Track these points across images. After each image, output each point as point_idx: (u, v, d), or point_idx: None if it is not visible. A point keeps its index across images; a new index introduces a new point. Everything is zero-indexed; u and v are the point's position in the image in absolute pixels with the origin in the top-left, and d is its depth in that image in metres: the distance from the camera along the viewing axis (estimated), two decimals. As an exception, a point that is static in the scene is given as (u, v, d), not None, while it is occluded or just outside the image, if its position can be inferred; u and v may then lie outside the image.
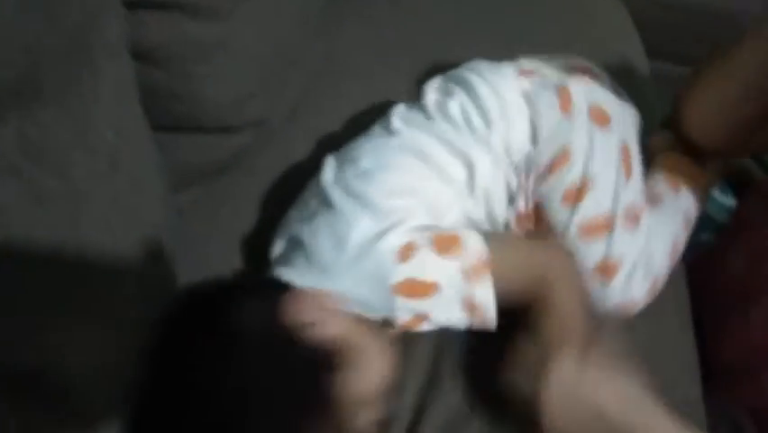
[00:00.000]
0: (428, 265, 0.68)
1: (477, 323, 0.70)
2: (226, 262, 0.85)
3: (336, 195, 0.74)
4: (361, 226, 0.70)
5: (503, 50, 0.87)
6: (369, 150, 0.78)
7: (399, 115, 0.80)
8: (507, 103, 0.78)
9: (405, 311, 0.69)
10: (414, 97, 0.84)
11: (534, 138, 0.77)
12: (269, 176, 0.91)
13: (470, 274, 0.68)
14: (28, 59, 0.49)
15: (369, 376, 0.66)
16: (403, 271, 0.68)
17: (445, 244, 0.69)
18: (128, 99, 0.68)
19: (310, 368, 0.64)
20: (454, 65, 0.86)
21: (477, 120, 0.78)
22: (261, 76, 0.86)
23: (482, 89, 0.79)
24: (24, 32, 0.48)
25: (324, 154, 0.79)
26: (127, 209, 0.65)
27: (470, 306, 0.69)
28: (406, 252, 0.68)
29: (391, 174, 0.74)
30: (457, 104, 0.79)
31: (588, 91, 0.79)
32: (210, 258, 0.85)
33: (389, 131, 0.79)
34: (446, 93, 0.82)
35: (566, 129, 0.76)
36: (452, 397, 0.77)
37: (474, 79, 0.80)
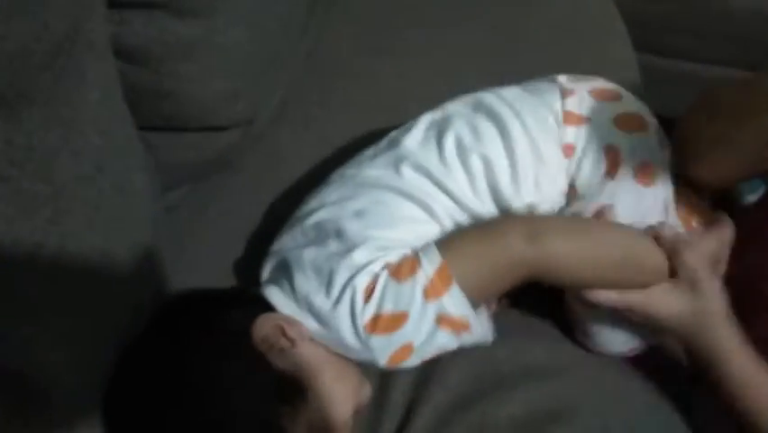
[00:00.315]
0: (388, 296, 0.66)
1: (468, 338, 0.69)
2: (216, 261, 0.85)
3: (328, 231, 0.72)
4: (344, 274, 0.68)
5: (492, 44, 0.87)
6: (370, 187, 0.74)
7: (411, 158, 0.74)
8: (545, 167, 0.73)
9: (383, 349, 0.67)
10: (403, 95, 0.82)
11: (571, 196, 0.74)
12: (259, 175, 0.91)
13: (432, 290, 0.66)
14: (14, 66, 0.49)
15: (332, 406, 0.66)
16: (369, 310, 0.66)
17: (401, 269, 0.67)
18: (114, 101, 0.67)
19: (269, 392, 0.65)
20: (445, 61, 0.85)
21: (504, 180, 0.73)
22: (247, 75, 0.85)
23: (520, 145, 0.73)
24: (10, 39, 0.48)
25: (312, 153, 0.78)
26: (111, 210, 0.64)
27: (448, 321, 0.67)
28: (370, 289, 0.67)
29: (390, 228, 0.71)
30: (482, 158, 0.73)
31: (638, 149, 0.74)
32: (199, 257, 0.85)
33: (397, 170, 0.74)
34: (474, 134, 0.75)
35: (608, 191, 0.73)
36: (442, 395, 0.77)
37: (512, 126, 0.74)
